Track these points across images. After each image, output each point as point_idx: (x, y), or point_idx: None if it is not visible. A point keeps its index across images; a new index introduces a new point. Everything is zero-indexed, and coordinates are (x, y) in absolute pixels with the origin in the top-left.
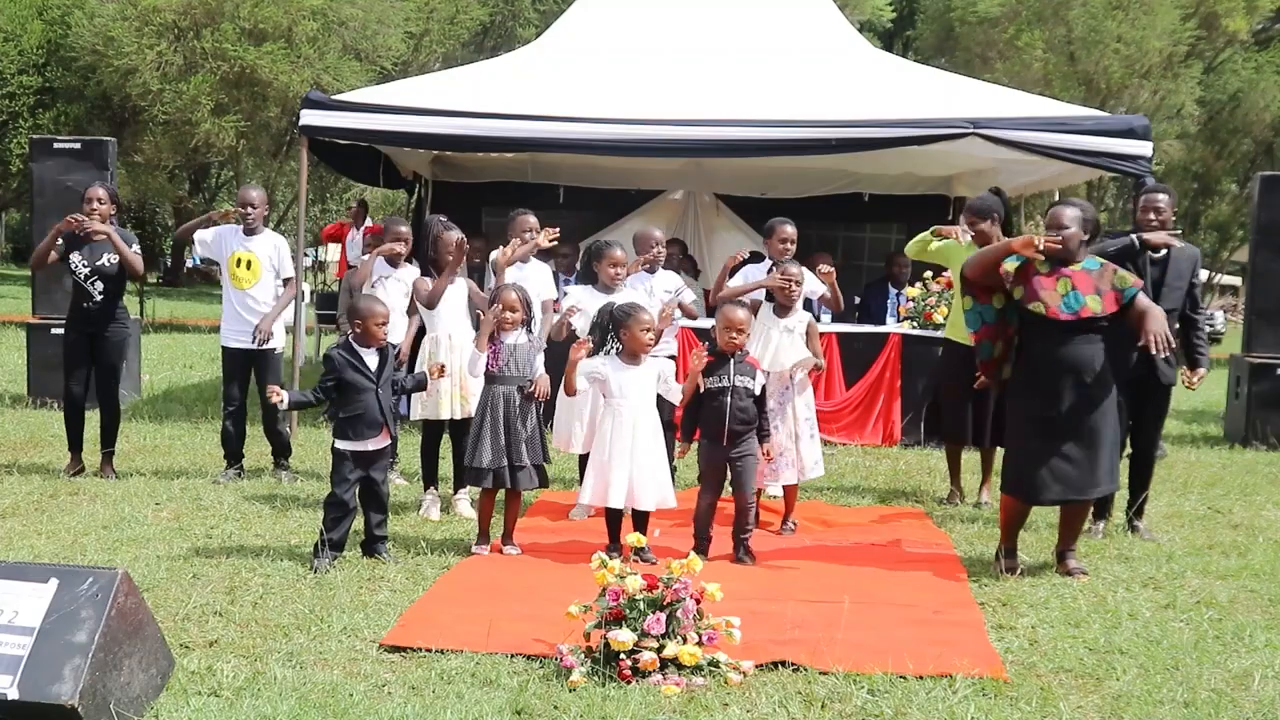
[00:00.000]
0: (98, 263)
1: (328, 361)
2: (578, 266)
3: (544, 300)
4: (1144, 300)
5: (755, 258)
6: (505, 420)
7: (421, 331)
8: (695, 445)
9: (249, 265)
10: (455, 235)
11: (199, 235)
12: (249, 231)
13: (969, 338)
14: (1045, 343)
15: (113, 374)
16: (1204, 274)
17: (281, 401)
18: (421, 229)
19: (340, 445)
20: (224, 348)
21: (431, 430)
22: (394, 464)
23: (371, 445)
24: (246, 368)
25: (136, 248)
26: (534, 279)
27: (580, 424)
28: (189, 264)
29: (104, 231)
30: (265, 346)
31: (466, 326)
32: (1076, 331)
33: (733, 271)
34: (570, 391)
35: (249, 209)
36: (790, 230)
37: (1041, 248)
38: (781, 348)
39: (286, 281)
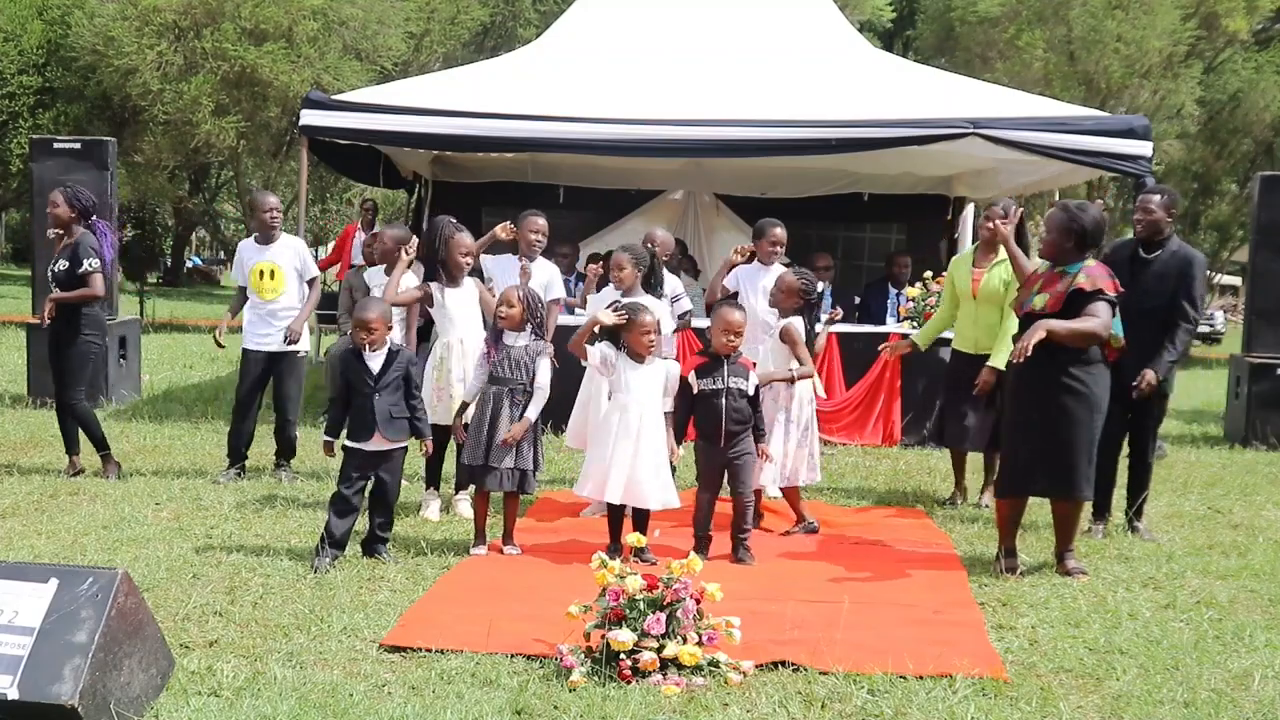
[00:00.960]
0: (52, 267)
1: (330, 364)
2: (578, 267)
3: (548, 301)
4: (1094, 309)
5: (754, 257)
6: (490, 421)
7: (428, 333)
8: (687, 445)
9: (272, 275)
10: (465, 237)
11: (238, 280)
12: (266, 240)
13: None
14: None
15: (69, 385)
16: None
17: (328, 442)
18: (430, 230)
19: (345, 443)
20: (245, 350)
21: (437, 433)
22: None
23: (369, 446)
24: (268, 371)
25: (91, 262)
26: (537, 279)
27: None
28: (189, 264)
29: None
30: (290, 349)
31: (479, 330)
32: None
33: (730, 270)
34: (580, 353)
35: (273, 213)
36: (780, 233)
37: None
38: (776, 355)
39: (311, 281)
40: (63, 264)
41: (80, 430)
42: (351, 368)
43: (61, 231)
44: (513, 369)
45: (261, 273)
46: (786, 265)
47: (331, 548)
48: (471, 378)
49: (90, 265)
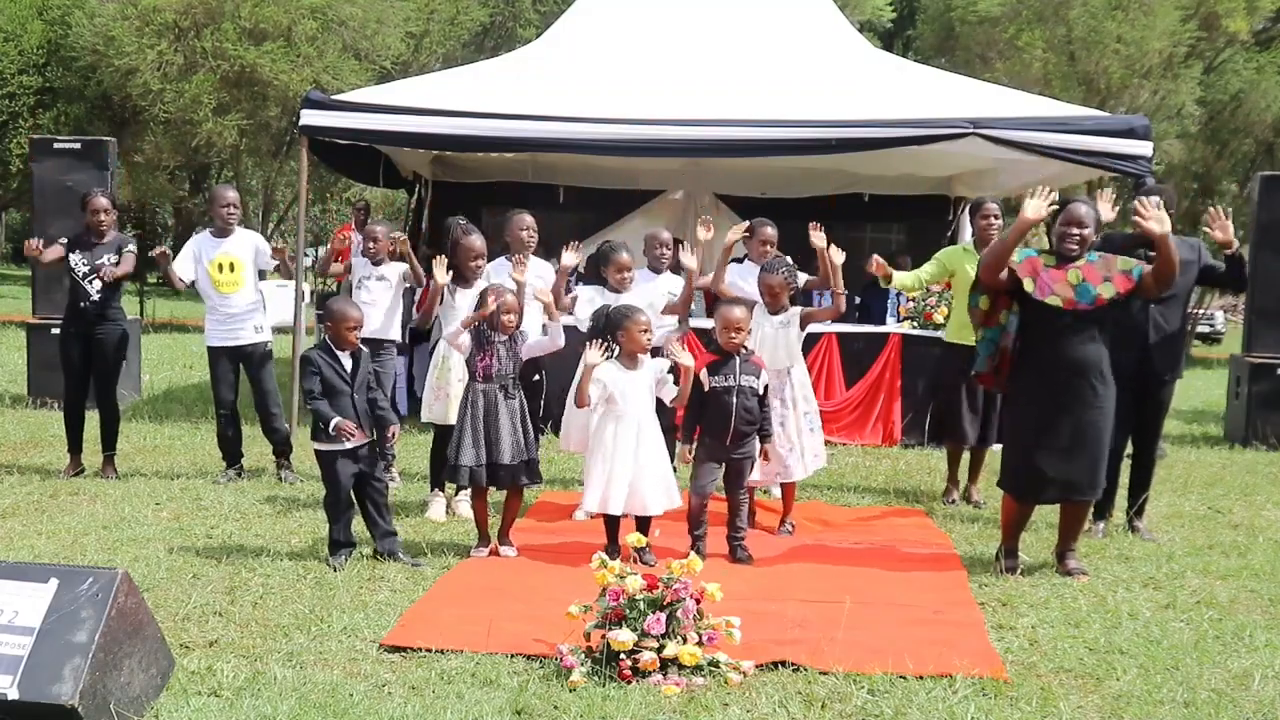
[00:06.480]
0: (97, 262)
1: (305, 363)
2: (580, 269)
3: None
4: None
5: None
6: (485, 419)
7: (425, 334)
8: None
9: (231, 268)
10: (475, 240)
11: (181, 270)
12: (224, 233)
13: (974, 338)
14: (1051, 342)
15: (109, 375)
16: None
17: (352, 437)
18: (441, 232)
19: (319, 447)
20: (211, 348)
21: (441, 434)
22: (391, 463)
23: (348, 444)
24: (235, 365)
25: (131, 247)
26: (532, 276)
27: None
28: None
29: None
30: (256, 340)
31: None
32: (1082, 331)
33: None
34: (583, 403)
35: (231, 208)
36: (770, 232)
37: (1045, 212)
38: (778, 344)
39: (261, 274)
40: (112, 257)
41: (103, 425)
42: (330, 368)
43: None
44: (501, 365)
45: (220, 266)
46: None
47: (345, 548)
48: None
49: (133, 248)
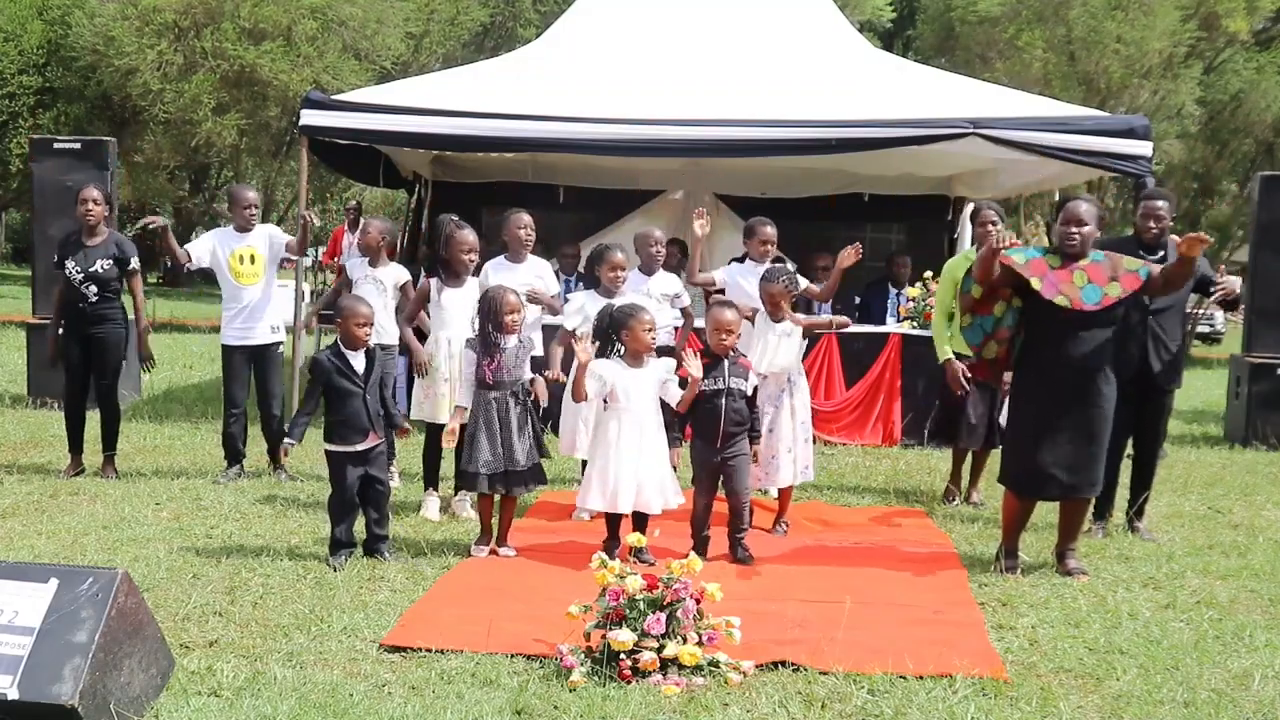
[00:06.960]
0: (90, 268)
1: (315, 366)
2: (580, 268)
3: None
4: (1181, 268)
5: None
6: (501, 425)
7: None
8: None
9: (252, 259)
10: (469, 234)
11: (196, 251)
12: (245, 229)
13: (969, 349)
14: (1055, 341)
15: (110, 375)
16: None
17: (290, 446)
18: (434, 229)
19: (330, 448)
20: (225, 346)
21: (434, 431)
22: (392, 462)
23: (360, 447)
24: (249, 364)
25: (136, 262)
26: (531, 275)
27: (585, 427)
28: None
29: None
30: (270, 340)
31: (469, 331)
32: (1087, 329)
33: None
34: (580, 397)
35: (252, 209)
36: (770, 231)
37: (1005, 244)
38: (780, 351)
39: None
40: (106, 262)
41: (104, 425)
42: (340, 371)
43: (95, 226)
44: (510, 370)
45: (241, 257)
46: (778, 260)
47: (345, 548)
48: (461, 387)
49: (137, 263)
